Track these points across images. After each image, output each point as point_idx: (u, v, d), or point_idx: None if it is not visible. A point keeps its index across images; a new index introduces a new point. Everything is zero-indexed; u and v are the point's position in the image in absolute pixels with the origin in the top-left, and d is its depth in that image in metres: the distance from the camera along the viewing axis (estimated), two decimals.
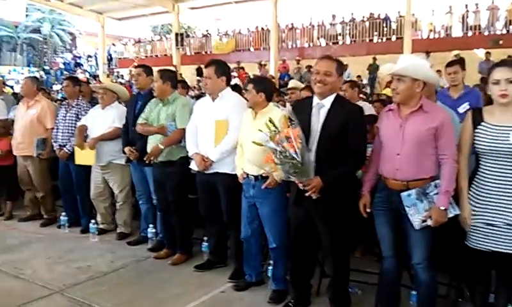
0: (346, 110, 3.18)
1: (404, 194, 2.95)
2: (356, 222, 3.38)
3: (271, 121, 3.09)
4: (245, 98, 4.07)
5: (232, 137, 3.86)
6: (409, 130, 2.96)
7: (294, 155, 2.94)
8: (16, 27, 29.56)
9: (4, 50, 30.42)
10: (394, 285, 3.21)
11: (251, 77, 8.56)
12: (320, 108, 3.21)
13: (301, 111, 3.22)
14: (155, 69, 4.87)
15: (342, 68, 3.30)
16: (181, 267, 4.34)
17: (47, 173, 5.79)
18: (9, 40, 29.70)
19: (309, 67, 17.21)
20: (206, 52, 23.03)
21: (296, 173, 3.02)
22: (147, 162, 4.35)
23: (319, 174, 3.07)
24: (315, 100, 3.25)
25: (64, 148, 5.34)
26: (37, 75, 20.90)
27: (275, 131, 3.02)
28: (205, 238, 4.41)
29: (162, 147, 4.28)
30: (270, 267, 3.79)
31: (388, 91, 6.06)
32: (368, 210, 3.17)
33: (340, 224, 3.23)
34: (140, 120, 4.46)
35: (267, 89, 3.69)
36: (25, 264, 4.44)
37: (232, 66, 4.14)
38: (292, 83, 5.49)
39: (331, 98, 3.20)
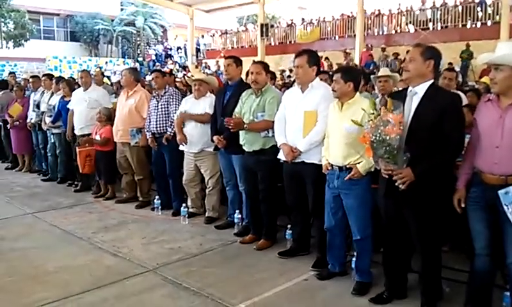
0: (441, 98, 3.07)
1: (501, 192, 2.80)
2: (447, 217, 3.25)
3: (373, 102, 3.06)
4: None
5: (320, 127, 3.87)
6: (510, 121, 2.81)
7: (392, 141, 2.88)
8: (112, 20, 31.29)
9: (102, 43, 32.40)
10: (486, 285, 3.07)
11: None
12: (413, 95, 3.12)
13: (398, 100, 3.13)
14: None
15: (429, 53, 3.14)
16: (265, 253, 4.43)
17: (144, 158, 6.13)
18: (106, 33, 31.47)
19: (396, 54, 16.60)
20: (290, 42, 22.93)
21: (389, 159, 2.96)
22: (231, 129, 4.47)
23: (409, 165, 2.98)
24: (409, 88, 3.18)
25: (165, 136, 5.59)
26: (133, 66, 22.09)
27: (376, 113, 2.98)
28: (289, 226, 4.47)
29: (246, 126, 4.41)
30: (354, 258, 3.75)
31: (486, 80, 5.68)
32: (462, 205, 3.04)
33: (432, 218, 3.11)
34: (236, 114, 4.60)
35: (356, 78, 3.65)
36: (122, 243, 4.75)
37: None
38: (382, 71, 5.25)
39: (425, 85, 3.10)
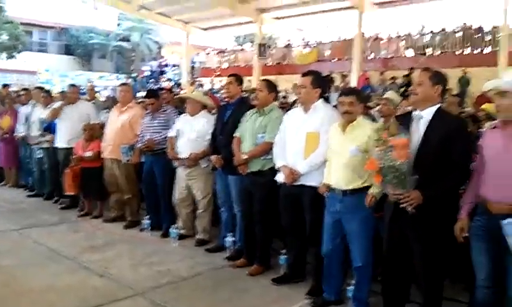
0: (449, 123, 3.05)
1: (504, 222, 2.72)
2: (448, 247, 3.16)
3: (377, 129, 3.04)
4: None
5: (322, 150, 3.78)
6: None
7: (400, 166, 2.85)
8: (108, 35, 31.44)
9: (95, 57, 32.47)
10: None
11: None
12: (419, 119, 3.09)
13: (402, 124, 3.09)
14: None
15: (437, 78, 3.15)
16: (258, 278, 4.29)
17: (134, 176, 6.00)
18: (100, 48, 31.61)
19: (393, 79, 16.65)
20: (287, 63, 23.06)
21: (396, 184, 2.91)
22: (242, 173, 4.39)
23: (417, 187, 2.93)
24: (415, 111, 3.15)
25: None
26: (126, 81, 22.02)
27: (381, 139, 2.93)
28: (284, 251, 4.33)
29: (245, 157, 4.31)
30: (350, 287, 3.63)
31: (487, 106, 5.64)
32: (465, 235, 2.96)
33: (436, 247, 3.04)
34: (236, 134, 4.53)
35: (364, 100, 3.60)
36: (110, 264, 4.58)
37: None
38: (388, 94, 5.27)
39: (432, 109, 3.09)
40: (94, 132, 6.41)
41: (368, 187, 3.46)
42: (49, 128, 7.12)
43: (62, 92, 7.66)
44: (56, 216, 6.38)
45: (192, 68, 26.24)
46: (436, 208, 2.98)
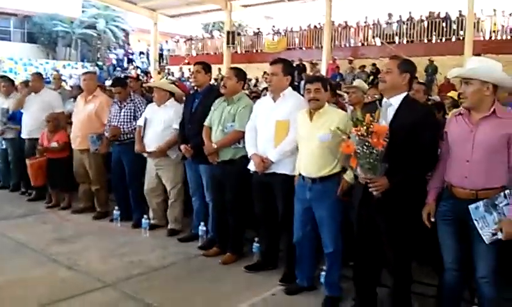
0: (416, 111, 3.09)
1: (472, 207, 2.80)
2: (416, 230, 3.22)
3: (360, 115, 3.03)
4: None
5: (292, 137, 3.79)
6: (481, 136, 2.81)
7: (378, 152, 2.86)
8: (72, 22, 30.56)
9: (60, 45, 31.52)
10: (455, 300, 3.07)
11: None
12: (388, 107, 3.12)
13: (369, 111, 3.10)
14: None
15: (406, 66, 3.19)
16: (231, 267, 4.30)
17: (102, 167, 5.90)
18: (65, 35, 30.68)
19: (362, 67, 16.83)
20: (256, 51, 23.01)
21: (369, 168, 2.93)
22: (212, 162, 4.36)
23: (385, 174, 2.97)
24: (384, 99, 3.18)
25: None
26: (92, 70, 21.55)
27: (361, 123, 2.93)
28: (256, 239, 4.35)
29: (215, 147, 4.28)
30: (323, 273, 3.69)
31: (453, 94, 5.78)
32: (432, 220, 3.03)
33: (404, 231, 3.09)
34: (206, 123, 4.49)
35: (331, 87, 3.63)
36: (79, 255, 4.50)
37: None
38: (356, 82, 5.34)
39: (399, 97, 3.12)
40: (58, 122, 6.26)
41: (336, 174, 3.50)
42: (14, 117, 6.92)
43: (26, 81, 7.41)
44: (22, 208, 6.24)
45: (161, 55, 25.89)
46: (402, 193, 3.02)
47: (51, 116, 6.23)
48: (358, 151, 2.91)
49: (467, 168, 2.84)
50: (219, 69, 18.87)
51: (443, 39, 17.94)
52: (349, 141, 2.97)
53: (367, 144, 2.87)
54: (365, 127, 2.89)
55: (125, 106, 5.52)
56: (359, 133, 2.90)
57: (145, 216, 5.25)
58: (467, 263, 2.92)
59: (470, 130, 2.86)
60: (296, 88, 4.61)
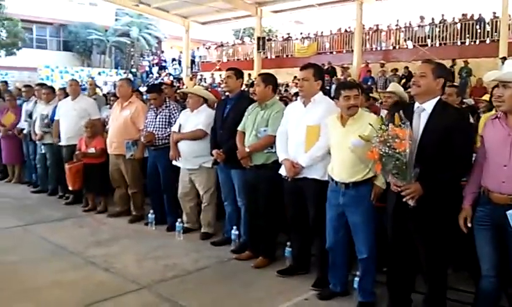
0: (450, 115, 3.05)
1: (509, 213, 2.74)
2: (452, 236, 3.17)
3: (381, 117, 3.05)
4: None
5: (323, 143, 3.79)
6: None
7: (401, 156, 2.84)
8: (106, 31, 31.23)
9: (95, 53, 32.27)
10: (493, 306, 2.98)
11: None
12: (421, 112, 3.09)
13: (395, 112, 3.08)
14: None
15: (440, 71, 3.15)
16: (263, 271, 4.31)
17: (138, 171, 6.01)
18: (99, 43, 31.35)
19: (395, 70, 16.61)
20: (287, 56, 23.01)
21: (398, 174, 2.91)
22: (245, 166, 4.40)
23: (418, 180, 2.94)
24: (416, 104, 3.15)
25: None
26: (126, 77, 21.98)
27: (384, 128, 2.93)
28: (289, 244, 4.35)
29: (248, 150, 4.33)
30: (356, 278, 3.66)
31: (487, 97, 5.64)
32: (469, 225, 2.98)
33: (440, 237, 3.05)
34: (240, 128, 4.54)
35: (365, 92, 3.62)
36: (115, 258, 4.59)
37: None
38: (391, 87, 5.27)
39: (432, 102, 3.08)
40: (96, 129, 6.43)
41: (369, 179, 3.48)
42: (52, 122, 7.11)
43: (64, 88, 7.64)
44: (60, 212, 6.40)
45: (193, 62, 26.18)
46: (437, 199, 2.97)
47: (90, 123, 6.40)
48: (383, 155, 2.90)
49: (504, 173, 2.78)
50: (250, 74, 18.98)
51: (477, 42, 17.54)
52: (373, 146, 2.96)
53: (389, 148, 2.85)
54: (385, 132, 2.87)
55: (160, 112, 5.62)
56: (382, 138, 2.89)
57: (179, 220, 5.32)
58: (505, 269, 2.87)
59: (507, 134, 2.81)
60: (327, 92, 4.59)
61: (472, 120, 5.04)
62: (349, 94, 3.51)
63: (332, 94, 3.92)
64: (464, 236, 3.06)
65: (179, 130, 5.29)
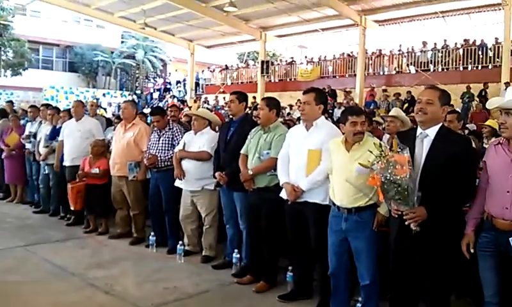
0: (454, 142, 3.06)
1: None
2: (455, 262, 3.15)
3: (380, 144, 3.04)
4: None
5: (324, 167, 3.79)
6: None
7: (402, 181, 2.84)
8: (112, 53, 31.61)
9: (100, 75, 32.61)
10: None
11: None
12: (424, 138, 3.10)
13: (405, 141, 3.09)
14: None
15: (445, 98, 3.17)
16: (265, 295, 4.27)
17: (141, 193, 5.99)
18: (105, 65, 31.70)
19: (397, 95, 16.69)
20: (290, 79, 23.19)
21: (400, 200, 2.91)
22: (248, 189, 4.40)
23: (422, 205, 2.94)
24: (419, 130, 3.16)
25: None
26: (131, 98, 22.14)
27: (383, 154, 2.94)
28: (290, 268, 4.32)
29: (250, 173, 4.33)
30: (358, 304, 3.63)
31: (491, 123, 5.66)
32: (471, 251, 2.96)
33: (443, 263, 3.03)
34: (243, 151, 4.55)
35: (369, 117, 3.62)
36: (115, 281, 4.57)
37: None
38: (393, 111, 5.30)
39: (435, 128, 3.09)
40: (101, 149, 6.44)
41: (372, 205, 3.47)
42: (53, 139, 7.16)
43: (68, 110, 7.69)
44: (62, 232, 6.38)
45: (197, 84, 26.40)
46: (440, 224, 2.97)
47: (96, 142, 6.43)
48: (384, 182, 2.90)
49: (508, 199, 2.78)
50: (254, 97, 19.10)
51: (479, 67, 17.64)
52: (374, 173, 2.96)
53: (390, 174, 2.85)
54: (385, 159, 2.88)
55: (163, 134, 5.64)
56: (382, 165, 2.89)
57: (180, 242, 5.30)
58: (508, 296, 2.85)
59: (510, 160, 2.81)
60: (330, 115, 4.61)
61: (477, 146, 5.04)
62: (357, 120, 3.51)
63: (335, 118, 3.93)
64: (467, 263, 3.04)
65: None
